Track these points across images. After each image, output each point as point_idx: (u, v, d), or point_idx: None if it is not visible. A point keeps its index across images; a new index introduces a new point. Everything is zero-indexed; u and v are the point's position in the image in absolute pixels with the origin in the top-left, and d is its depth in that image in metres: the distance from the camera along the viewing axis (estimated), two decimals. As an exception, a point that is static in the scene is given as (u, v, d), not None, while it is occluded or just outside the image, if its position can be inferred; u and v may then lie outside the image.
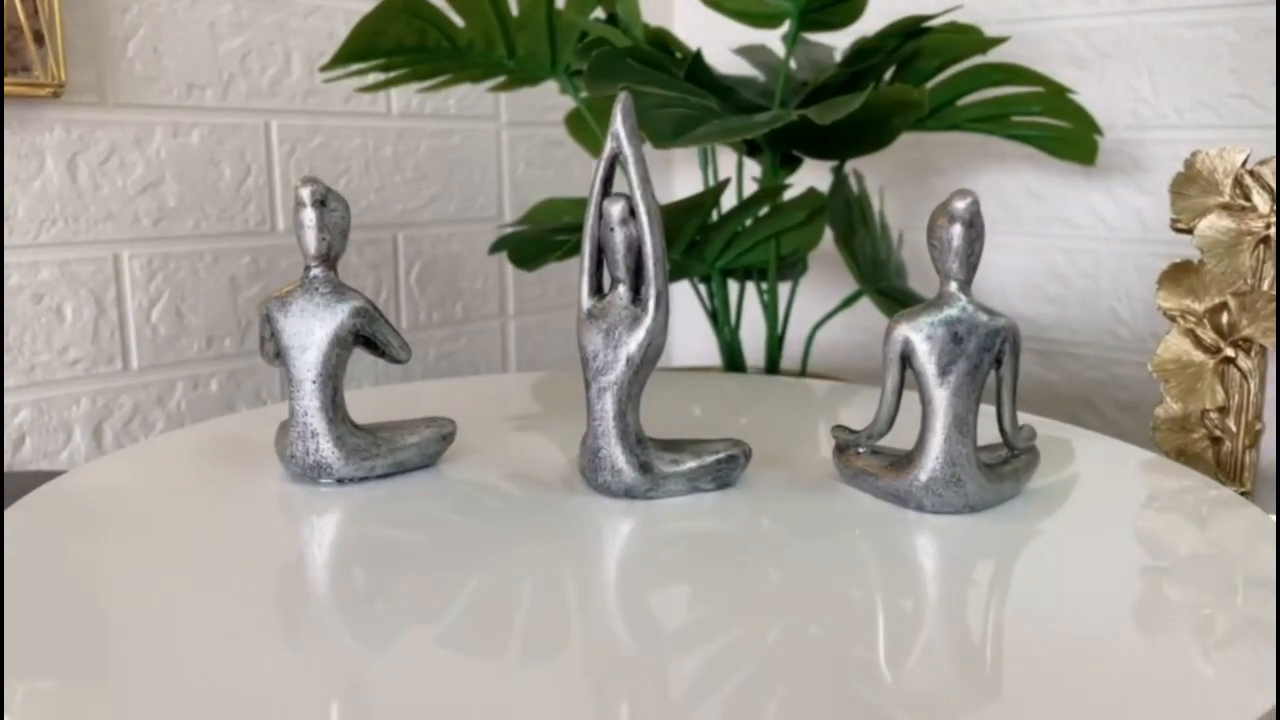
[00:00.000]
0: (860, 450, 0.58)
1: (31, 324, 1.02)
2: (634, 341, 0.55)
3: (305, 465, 0.58)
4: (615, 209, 0.55)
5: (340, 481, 0.59)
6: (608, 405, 0.55)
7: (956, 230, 0.52)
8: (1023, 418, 0.75)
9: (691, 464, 0.57)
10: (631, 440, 0.56)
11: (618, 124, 0.54)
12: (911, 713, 0.36)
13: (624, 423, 0.56)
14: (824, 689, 0.37)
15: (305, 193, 0.57)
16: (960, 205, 0.52)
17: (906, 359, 0.54)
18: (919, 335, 0.53)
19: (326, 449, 0.58)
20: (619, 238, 0.55)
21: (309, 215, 0.58)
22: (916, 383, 0.55)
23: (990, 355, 0.53)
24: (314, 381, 0.58)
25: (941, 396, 0.53)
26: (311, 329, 0.58)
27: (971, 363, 0.53)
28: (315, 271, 0.59)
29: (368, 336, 0.60)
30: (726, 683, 0.37)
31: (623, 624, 0.42)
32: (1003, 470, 0.56)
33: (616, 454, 0.56)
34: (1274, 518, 0.54)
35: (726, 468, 0.58)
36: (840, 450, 0.59)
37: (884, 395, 0.56)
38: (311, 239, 0.58)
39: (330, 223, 0.58)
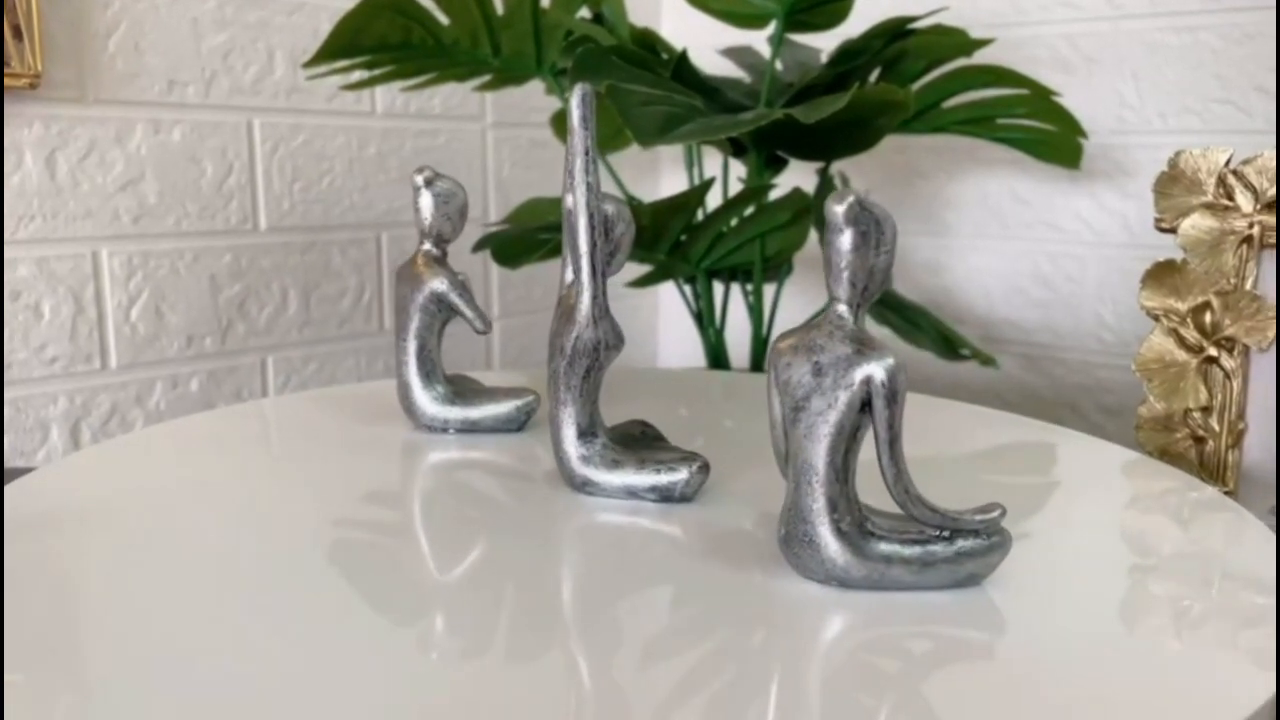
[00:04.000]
0: None
1: (9, 321, 1.01)
2: (568, 333, 0.55)
3: (405, 408, 0.68)
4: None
5: (430, 429, 0.68)
6: (553, 390, 0.56)
7: (836, 240, 0.42)
8: (1007, 420, 0.74)
9: (627, 471, 0.55)
10: (574, 430, 0.56)
11: (570, 115, 0.54)
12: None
13: (567, 410, 0.56)
14: None
15: (418, 179, 0.67)
16: (838, 209, 0.42)
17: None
18: (780, 360, 0.45)
19: (417, 395, 0.68)
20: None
21: (418, 198, 0.67)
22: None
23: (850, 396, 0.42)
24: (405, 339, 0.68)
25: (795, 437, 0.44)
26: (408, 295, 0.67)
27: (826, 402, 0.43)
28: (422, 246, 0.68)
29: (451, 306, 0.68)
30: None
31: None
32: (902, 553, 0.43)
33: (562, 440, 0.56)
34: (1265, 520, 0.54)
35: (667, 485, 0.55)
36: None
37: (770, 428, 0.48)
38: (418, 219, 0.67)
39: (437, 206, 0.67)
